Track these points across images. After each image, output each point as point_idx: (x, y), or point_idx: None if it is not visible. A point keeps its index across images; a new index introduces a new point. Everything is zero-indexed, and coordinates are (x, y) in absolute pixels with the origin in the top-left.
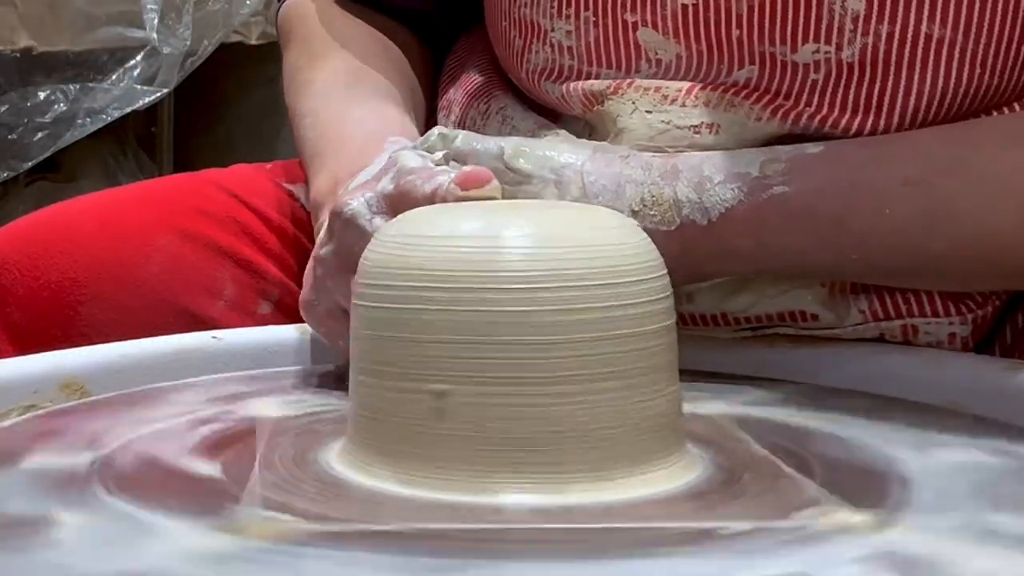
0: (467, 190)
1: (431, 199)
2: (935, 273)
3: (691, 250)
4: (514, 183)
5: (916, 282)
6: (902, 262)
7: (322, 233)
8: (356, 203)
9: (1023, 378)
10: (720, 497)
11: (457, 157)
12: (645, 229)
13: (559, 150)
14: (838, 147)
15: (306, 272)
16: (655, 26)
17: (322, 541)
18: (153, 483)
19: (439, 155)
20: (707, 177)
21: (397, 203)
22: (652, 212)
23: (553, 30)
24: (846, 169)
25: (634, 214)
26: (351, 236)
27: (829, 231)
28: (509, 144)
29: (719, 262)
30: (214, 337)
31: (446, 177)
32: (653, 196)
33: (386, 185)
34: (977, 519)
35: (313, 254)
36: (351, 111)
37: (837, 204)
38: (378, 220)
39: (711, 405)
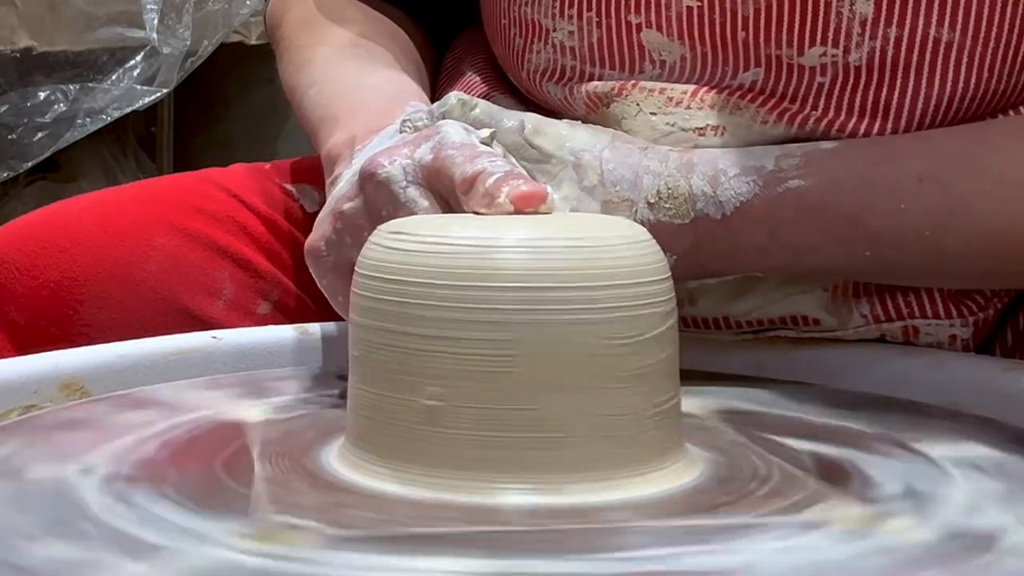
0: (521, 209)
1: (471, 183)
2: (949, 273)
3: (703, 245)
4: (533, 160)
5: (928, 282)
6: (915, 259)
7: (346, 187)
8: (391, 167)
9: (1022, 378)
10: (720, 497)
11: (477, 123)
12: (659, 222)
13: (578, 133)
14: (852, 144)
15: (319, 218)
16: (659, 28)
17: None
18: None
19: (486, 133)
20: (722, 170)
21: (432, 175)
22: (667, 205)
23: (555, 30)
24: (860, 165)
25: (650, 206)
26: (381, 200)
27: (843, 226)
28: (530, 120)
29: (730, 258)
30: (214, 337)
31: (489, 163)
32: (669, 188)
33: (424, 154)
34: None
35: (333, 207)
36: (365, 79)
37: (851, 199)
38: (412, 190)
39: (711, 405)
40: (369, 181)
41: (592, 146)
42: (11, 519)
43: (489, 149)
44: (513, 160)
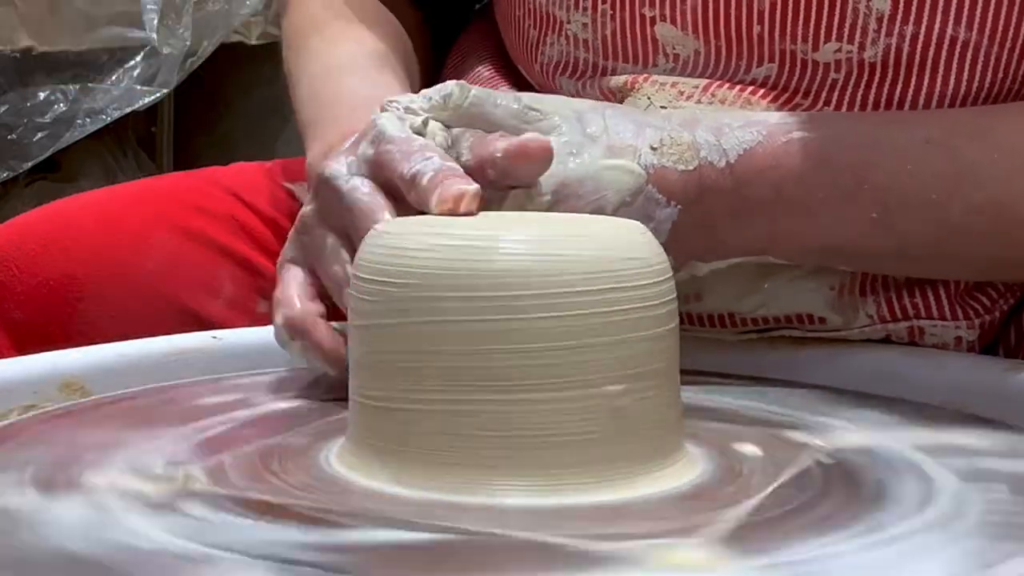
0: (443, 212)
1: (411, 185)
2: (955, 251)
3: (708, 196)
4: (534, 120)
5: (936, 263)
6: (923, 228)
7: (309, 196)
8: (335, 165)
9: (1023, 378)
10: (721, 496)
11: (475, 104)
12: (663, 167)
13: (576, 100)
14: (857, 112)
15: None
16: (673, 21)
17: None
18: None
19: (419, 121)
20: (726, 124)
21: (376, 170)
22: (671, 151)
23: (569, 22)
24: (867, 125)
25: (653, 151)
26: (329, 195)
27: (849, 182)
28: (527, 95)
29: (736, 218)
30: (214, 337)
31: (422, 162)
32: (672, 138)
33: (366, 149)
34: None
35: (298, 214)
36: (346, 78)
37: (857, 155)
38: (355, 179)
39: (712, 405)
40: (318, 182)
41: (593, 107)
42: None
43: (423, 141)
44: (444, 153)
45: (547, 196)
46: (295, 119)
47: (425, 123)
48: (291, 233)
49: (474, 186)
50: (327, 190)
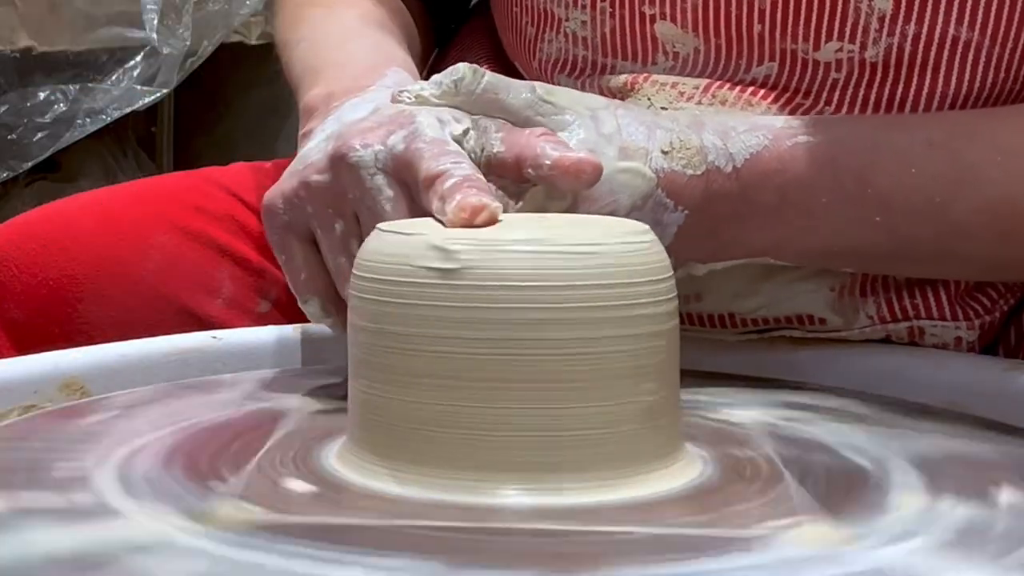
0: (469, 221)
1: (432, 181)
2: (958, 252)
3: (714, 201)
4: (548, 114)
5: (940, 264)
6: (926, 230)
7: (317, 155)
8: (364, 152)
9: (1023, 378)
10: (719, 498)
11: (488, 90)
12: (672, 171)
13: (590, 95)
14: (860, 115)
15: (285, 174)
16: (673, 19)
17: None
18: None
19: (459, 129)
20: (732, 127)
21: (402, 167)
22: (680, 155)
23: (568, 20)
24: (868, 128)
25: (664, 154)
26: (349, 182)
27: (852, 185)
28: (541, 84)
29: (740, 222)
30: (214, 337)
31: (453, 164)
32: (681, 140)
33: (397, 143)
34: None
35: (303, 175)
36: (350, 39)
37: (860, 159)
38: (379, 178)
39: (712, 406)
40: (341, 162)
41: (606, 105)
42: None
43: (458, 149)
44: (474, 166)
45: (567, 197)
46: (295, 119)
47: (465, 132)
48: (289, 183)
49: (496, 204)
50: (348, 175)
